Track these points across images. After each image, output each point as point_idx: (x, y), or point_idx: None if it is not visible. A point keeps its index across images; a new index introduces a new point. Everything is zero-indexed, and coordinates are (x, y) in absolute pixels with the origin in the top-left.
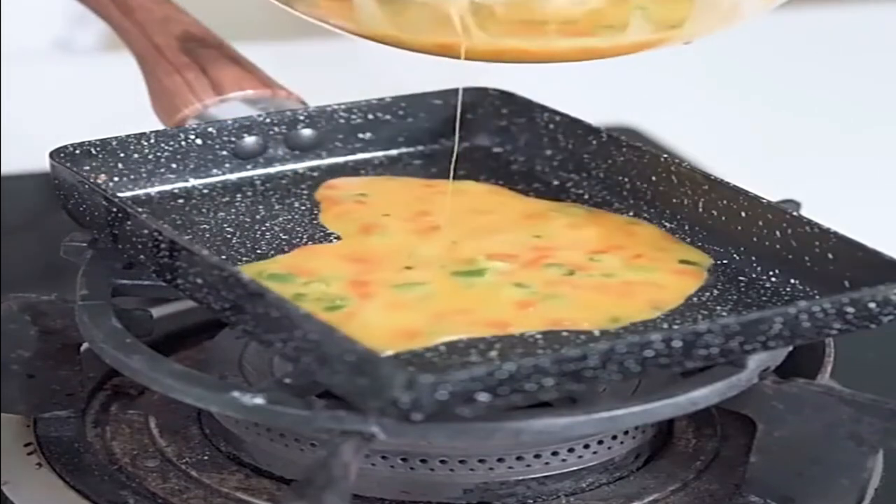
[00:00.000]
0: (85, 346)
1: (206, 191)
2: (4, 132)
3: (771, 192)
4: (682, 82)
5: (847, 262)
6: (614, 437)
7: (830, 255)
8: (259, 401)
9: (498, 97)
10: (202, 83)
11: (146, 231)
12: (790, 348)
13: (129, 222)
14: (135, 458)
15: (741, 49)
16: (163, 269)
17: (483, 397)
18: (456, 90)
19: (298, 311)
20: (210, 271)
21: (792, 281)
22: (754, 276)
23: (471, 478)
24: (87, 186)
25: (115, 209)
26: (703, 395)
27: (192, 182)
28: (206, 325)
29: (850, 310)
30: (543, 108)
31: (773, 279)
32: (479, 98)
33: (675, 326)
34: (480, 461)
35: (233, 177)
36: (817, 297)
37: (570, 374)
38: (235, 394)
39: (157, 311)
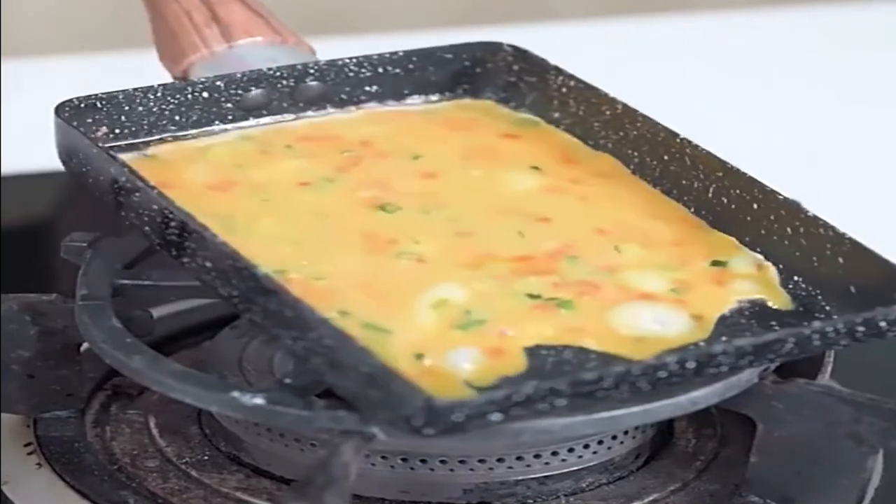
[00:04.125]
0: (85, 346)
1: None
2: (4, 132)
3: None
4: (682, 82)
5: (856, 269)
6: (614, 437)
7: (840, 260)
8: (259, 401)
9: (511, 53)
10: (211, 28)
11: (155, 207)
12: None
13: (136, 194)
14: (135, 458)
15: (741, 49)
16: (168, 245)
17: (496, 417)
18: (467, 45)
19: (314, 313)
20: (223, 261)
21: (795, 278)
22: None
23: (471, 478)
24: (94, 151)
25: (123, 178)
26: (703, 395)
27: (192, 132)
28: (206, 325)
29: (861, 328)
30: (559, 71)
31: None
32: (492, 52)
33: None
34: (480, 461)
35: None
36: (819, 296)
37: (584, 394)
38: (235, 394)
39: (157, 311)
